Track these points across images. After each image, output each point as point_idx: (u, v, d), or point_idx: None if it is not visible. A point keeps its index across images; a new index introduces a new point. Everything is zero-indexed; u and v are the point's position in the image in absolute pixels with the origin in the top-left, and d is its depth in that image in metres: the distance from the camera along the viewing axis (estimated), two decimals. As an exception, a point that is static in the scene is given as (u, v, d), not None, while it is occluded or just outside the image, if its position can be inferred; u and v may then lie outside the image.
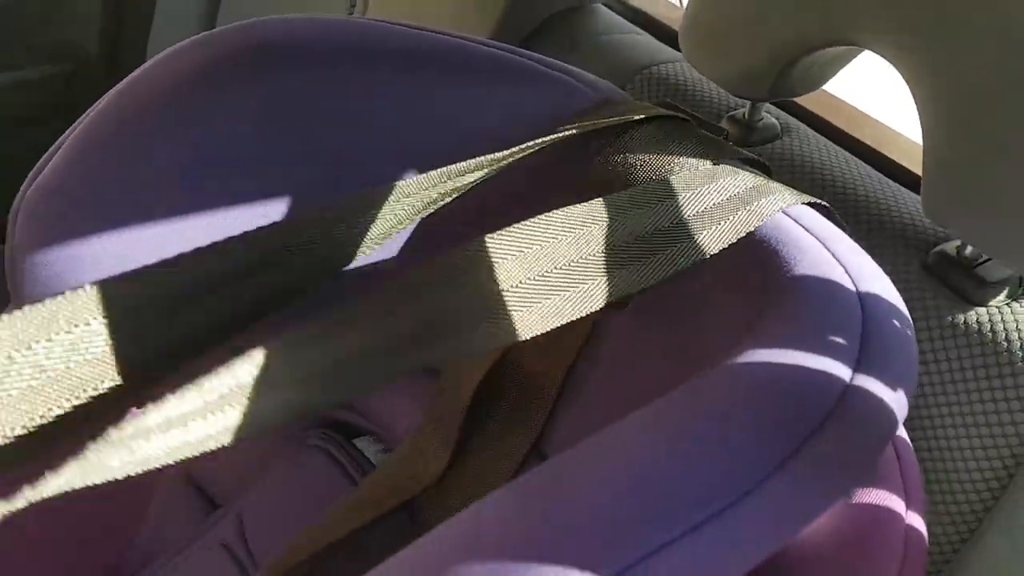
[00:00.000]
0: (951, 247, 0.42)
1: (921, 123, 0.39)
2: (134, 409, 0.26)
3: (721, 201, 0.37)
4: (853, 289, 0.32)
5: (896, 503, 0.31)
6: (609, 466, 0.25)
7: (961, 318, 0.40)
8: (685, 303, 0.37)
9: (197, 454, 0.24)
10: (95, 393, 0.29)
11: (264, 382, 0.26)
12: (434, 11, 0.68)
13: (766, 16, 0.43)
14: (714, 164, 0.40)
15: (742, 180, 0.38)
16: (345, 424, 0.55)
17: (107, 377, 0.29)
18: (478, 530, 0.24)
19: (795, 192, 0.39)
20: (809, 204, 0.39)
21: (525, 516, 0.24)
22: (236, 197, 0.43)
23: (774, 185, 0.39)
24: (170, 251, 0.41)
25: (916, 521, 0.31)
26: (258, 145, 0.42)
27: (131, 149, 0.39)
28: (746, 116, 0.52)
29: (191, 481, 0.59)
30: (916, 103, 0.39)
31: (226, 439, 0.25)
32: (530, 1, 0.62)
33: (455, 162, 0.39)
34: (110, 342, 0.29)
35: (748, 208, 0.37)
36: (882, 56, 0.40)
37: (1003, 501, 0.38)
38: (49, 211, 0.40)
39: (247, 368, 0.25)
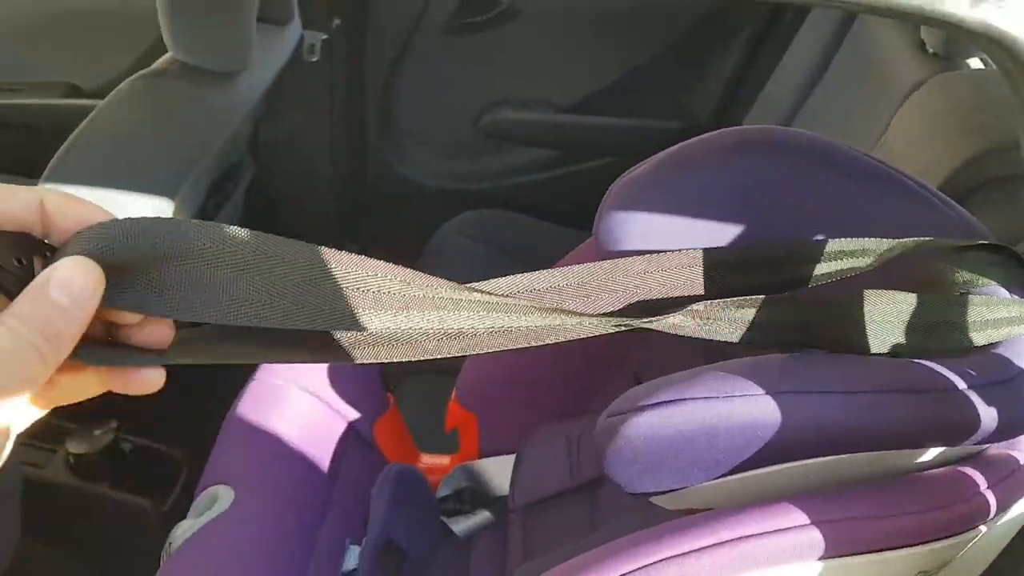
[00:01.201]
0: None
1: None
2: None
3: (996, 319, 0.58)
4: (1020, 368, 0.53)
5: (979, 478, 0.51)
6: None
7: None
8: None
9: None
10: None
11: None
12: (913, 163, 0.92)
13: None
14: (1007, 288, 0.61)
15: (1020, 308, 0.59)
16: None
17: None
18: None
19: None
20: None
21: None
22: (722, 223, 0.74)
23: None
24: (684, 236, 0.73)
25: (990, 496, 0.51)
26: (744, 197, 0.73)
27: (680, 176, 0.73)
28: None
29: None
30: None
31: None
32: (979, 166, 0.84)
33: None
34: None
35: (1014, 326, 0.57)
36: None
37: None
38: (630, 191, 0.75)
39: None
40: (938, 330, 0.56)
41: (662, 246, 0.74)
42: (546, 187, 1.77)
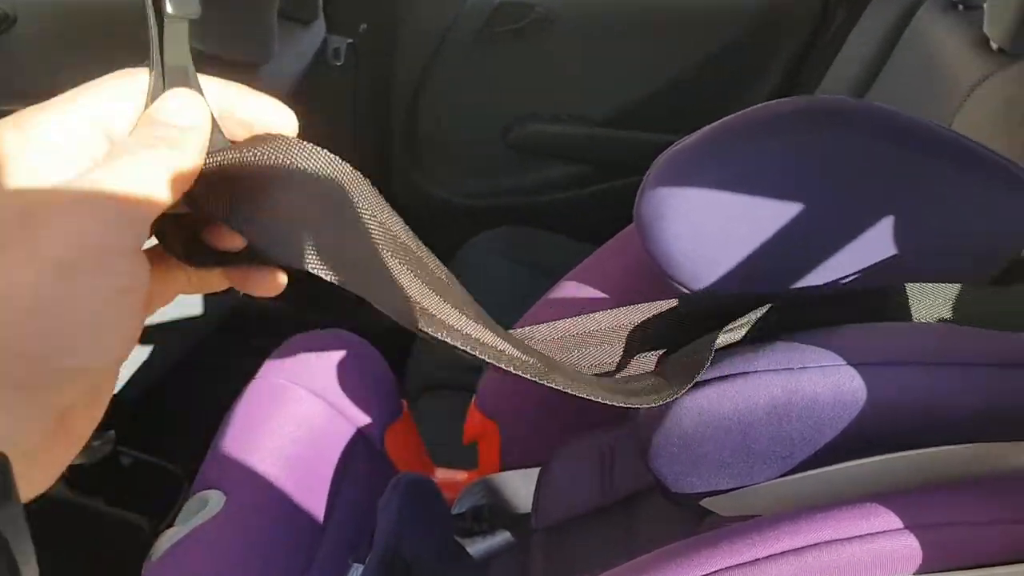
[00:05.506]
0: None
1: None
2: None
3: None
4: None
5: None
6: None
7: None
8: None
9: None
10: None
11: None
12: None
13: None
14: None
15: None
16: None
17: None
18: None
19: None
20: None
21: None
22: (779, 200, 0.66)
23: None
24: (736, 214, 0.64)
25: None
26: (805, 170, 0.64)
27: (735, 146, 0.64)
28: None
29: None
30: None
31: None
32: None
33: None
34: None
35: None
36: None
37: None
38: (677, 163, 0.66)
39: None
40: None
41: (711, 226, 0.66)
42: (578, 204, 1.69)
